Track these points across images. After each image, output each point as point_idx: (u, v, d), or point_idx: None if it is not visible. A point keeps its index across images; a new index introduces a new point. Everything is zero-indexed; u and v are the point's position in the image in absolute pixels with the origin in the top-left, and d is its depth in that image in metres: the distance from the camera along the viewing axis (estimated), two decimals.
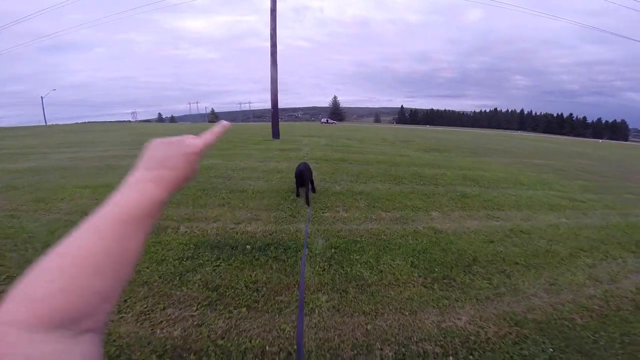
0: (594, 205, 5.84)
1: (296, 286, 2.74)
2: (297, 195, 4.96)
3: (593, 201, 6.10)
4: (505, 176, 7.89)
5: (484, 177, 7.47)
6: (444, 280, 2.93)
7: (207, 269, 2.97)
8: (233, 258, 3.14)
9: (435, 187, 6.07)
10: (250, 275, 2.88)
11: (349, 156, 9.12)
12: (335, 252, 3.28)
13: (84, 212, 4.35)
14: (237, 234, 3.65)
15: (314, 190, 5.18)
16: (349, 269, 3.00)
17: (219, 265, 3.04)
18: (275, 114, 13.71)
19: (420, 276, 2.97)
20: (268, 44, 13.22)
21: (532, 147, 22.44)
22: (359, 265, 3.08)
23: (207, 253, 3.24)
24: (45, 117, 63.88)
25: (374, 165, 7.75)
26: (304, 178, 4.58)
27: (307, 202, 4.51)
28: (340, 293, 2.67)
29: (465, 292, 2.75)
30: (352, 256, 3.23)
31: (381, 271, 3.01)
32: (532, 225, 4.50)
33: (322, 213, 4.31)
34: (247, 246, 3.37)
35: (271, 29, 13.25)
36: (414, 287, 2.81)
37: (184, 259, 3.15)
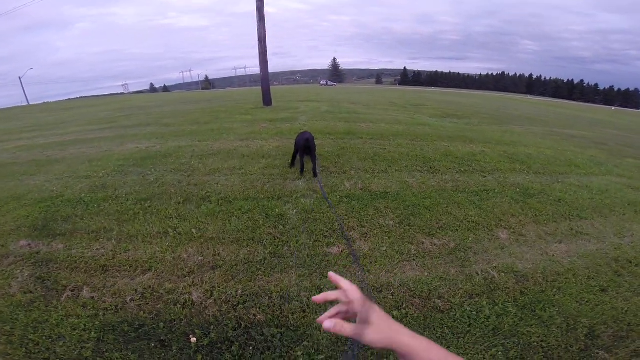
0: None
1: None
2: (302, 169, 4.06)
3: None
4: (552, 154, 6.25)
5: (530, 156, 5.83)
6: None
7: None
8: None
9: (482, 178, 4.32)
10: None
11: (358, 127, 7.23)
12: None
13: None
14: (174, 306, 1.97)
15: (315, 168, 4.03)
16: None
17: None
18: (265, 78, 11.40)
19: None
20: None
21: (552, 113, 20.61)
22: None
23: (117, 353, 1.64)
24: (26, 97, 61.10)
25: (392, 141, 5.91)
26: (308, 147, 3.83)
27: (315, 173, 3.95)
28: None
29: None
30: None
31: None
32: (634, 247, 2.97)
33: (327, 247, 2.59)
34: (192, 339, 1.74)
35: None
36: None
37: None
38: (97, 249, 2.59)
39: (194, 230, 2.83)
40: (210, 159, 4.59)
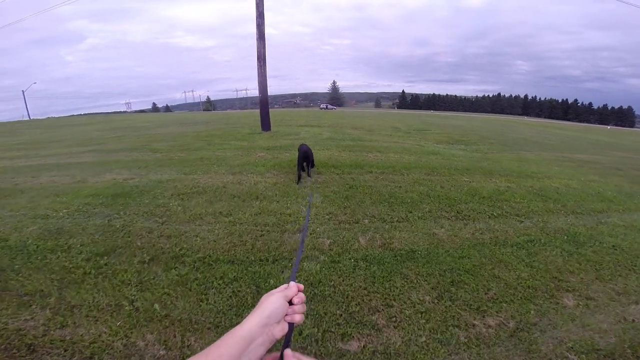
0: None
1: None
2: (299, 181, 4.73)
3: None
4: (579, 187, 5.69)
5: (559, 191, 5.22)
6: None
7: None
8: None
9: (520, 224, 3.63)
10: None
11: (365, 158, 6.57)
12: None
13: None
14: None
15: (313, 165, 5.10)
16: None
17: None
18: (264, 100, 10.83)
19: None
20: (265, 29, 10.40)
21: (553, 135, 20.44)
22: None
23: None
24: (28, 111, 60.95)
25: (405, 176, 5.23)
26: (308, 159, 4.84)
27: (309, 174, 4.94)
28: None
29: None
30: None
31: None
32: None
33: (342, 340, 1.80)
34: None
35: None
36: None
37: None
38: (25, 320, 1.94)
39: (157, 306, 2.08)
40: (193, 199, 3.83)
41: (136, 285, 2.29)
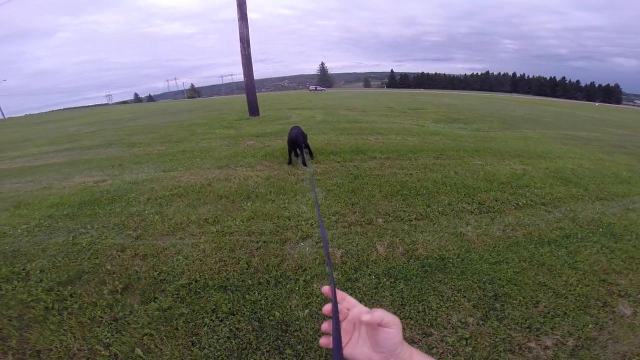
0: None
1: None
2: (290, 163, 4.58)
3: None
4: (592, 167, 5.40)
5: (576, 172, 4.90)
6: None
7: None
8: None
9: (548, 214, 3.26)
10: None
11: (365, 142, 6.05)
12: None
13: None
14: None
15: (311, 155, 4.92)
16: None
17: None
18: (250, 84, 9.97)
19: None
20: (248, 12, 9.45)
21: (547, 112, 20.30)
22: None
23: None
24: (1, 110, 57.52)
25: (414, 161, 4.75)
26: (298, 143, 4.40)
27: (304, 164, 4.42)
28: None
29: None
30: None
31: None
32: None
33: None
34: None
35: None
36: None
37: None
38: None
39: (139, 351, 1.64)
40: (172, 204, 3.26)
41: (109, 324, 1.80)
